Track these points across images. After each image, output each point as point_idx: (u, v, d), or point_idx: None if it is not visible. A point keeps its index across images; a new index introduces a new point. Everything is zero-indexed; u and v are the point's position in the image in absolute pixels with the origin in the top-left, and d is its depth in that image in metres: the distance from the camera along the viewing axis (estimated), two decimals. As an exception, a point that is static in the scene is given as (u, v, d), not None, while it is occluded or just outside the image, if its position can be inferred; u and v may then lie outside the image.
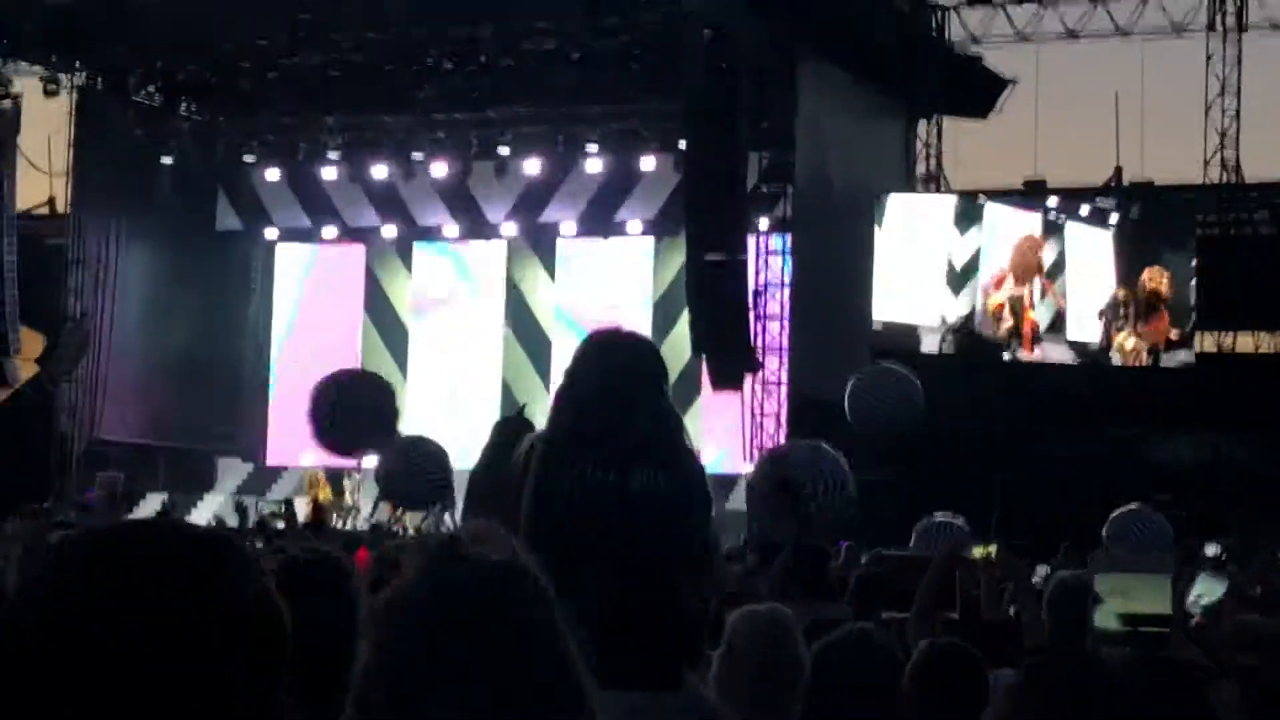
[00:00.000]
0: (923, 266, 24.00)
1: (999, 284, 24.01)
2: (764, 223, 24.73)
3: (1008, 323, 23.98)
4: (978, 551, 8.13)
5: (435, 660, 1.80)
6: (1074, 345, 23.94)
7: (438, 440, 15.67)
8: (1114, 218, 23.80)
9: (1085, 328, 23.94)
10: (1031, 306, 23.92)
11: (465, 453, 20.02)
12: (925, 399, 18.30)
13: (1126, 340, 23.80)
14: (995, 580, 6.64)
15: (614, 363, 3.28)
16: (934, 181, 27.40)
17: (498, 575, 1.86)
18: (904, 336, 23.87)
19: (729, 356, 22.78)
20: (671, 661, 2.91)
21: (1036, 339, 23.95)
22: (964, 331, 24.10)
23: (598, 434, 3.16)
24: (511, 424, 3.72)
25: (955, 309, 23.92)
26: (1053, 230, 23.75)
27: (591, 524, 3.10)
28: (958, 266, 23.85)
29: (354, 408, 15.14)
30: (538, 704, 1.82)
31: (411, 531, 19.56)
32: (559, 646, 1.84)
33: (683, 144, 23.98)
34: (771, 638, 4.38)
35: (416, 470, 14.95)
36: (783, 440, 23.83)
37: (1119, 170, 25.35)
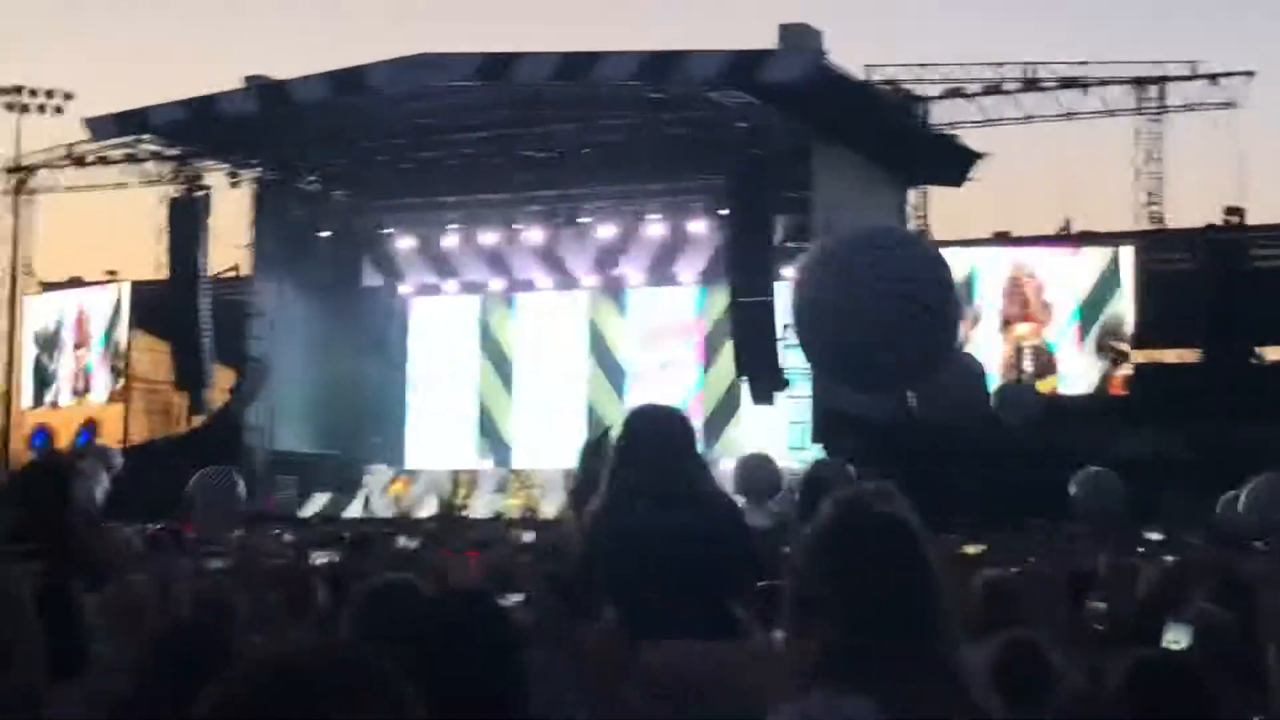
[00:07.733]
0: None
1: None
2: (789, 272, 23.80)
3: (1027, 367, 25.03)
4: (971, 550, 8.24)
5: (844, 578, 2.03)
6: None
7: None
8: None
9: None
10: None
11: (559, 456, 24.81)
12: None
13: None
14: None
15: (656, 432, 3.49)
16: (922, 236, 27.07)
17: (888, 523, 2.07)
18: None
19: (764, 378, 23.85)
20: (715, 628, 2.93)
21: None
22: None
23: (648, 488, 3.39)
24: (598, 442, 4.00)
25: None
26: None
27: (644, 555, 3.37)
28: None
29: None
30: (909, 615, 2.04)
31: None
32: (928, 574, 2.05)
33: (724, 211, 25.56)
34: None
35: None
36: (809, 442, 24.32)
37: (1068, 221, 26.36)
